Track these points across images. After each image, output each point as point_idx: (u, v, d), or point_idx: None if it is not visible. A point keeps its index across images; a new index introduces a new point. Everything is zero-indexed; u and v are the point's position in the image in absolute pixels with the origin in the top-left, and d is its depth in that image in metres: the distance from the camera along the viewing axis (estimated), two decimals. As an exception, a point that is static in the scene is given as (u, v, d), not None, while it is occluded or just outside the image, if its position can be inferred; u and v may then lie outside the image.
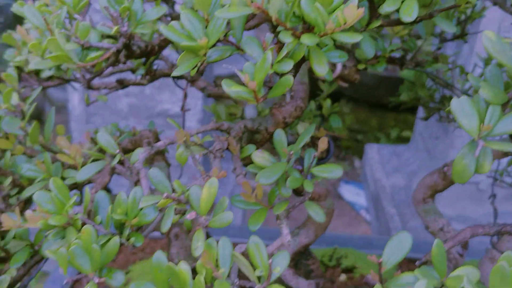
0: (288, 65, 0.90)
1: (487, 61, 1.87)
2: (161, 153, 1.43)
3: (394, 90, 2.13)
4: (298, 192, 1.38)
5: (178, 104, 3.34)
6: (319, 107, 1.99)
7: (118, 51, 1.09)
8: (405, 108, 2.03)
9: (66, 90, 3.67)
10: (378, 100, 5.19)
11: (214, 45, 0.97)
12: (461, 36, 1.78)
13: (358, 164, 5.25)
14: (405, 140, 4.99)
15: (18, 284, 1.07)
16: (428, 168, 3.55)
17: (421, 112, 3.75)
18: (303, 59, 0.97)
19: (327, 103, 1.97)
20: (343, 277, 2.07)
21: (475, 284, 0.74)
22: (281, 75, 0.93)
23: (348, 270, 2.13)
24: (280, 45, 0.95)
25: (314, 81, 1.49)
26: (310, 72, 1.41)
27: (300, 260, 1.57)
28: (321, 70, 0.92)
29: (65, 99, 3.96)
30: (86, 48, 1.07)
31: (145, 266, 2.22)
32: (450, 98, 1.96)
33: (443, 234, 1.31)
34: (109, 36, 1.18)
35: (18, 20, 1.45)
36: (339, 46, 1.45)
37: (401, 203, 3.74)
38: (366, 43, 1.06)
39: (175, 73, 0.92)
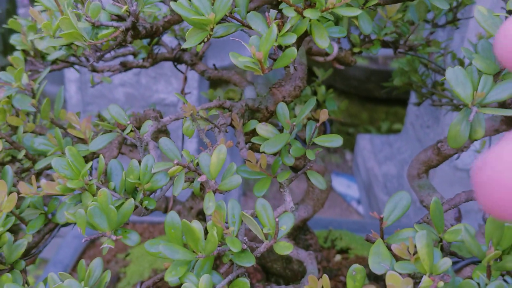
0: (292, 38, 0.96)
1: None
2: (164, 132, 1.48)
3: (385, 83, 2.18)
4: (296, 169, 1.44)
5: (174, 93, 3.38)
6: (314, 93, 2.04)
7: (127, 30, 1.14)
8: (396, 99, 2.08)
9: (62, 82, 3.70)
10: (369, 93, 5.24)
11: (220, 22, 1.03)
12: (453, 21, 1.83)
13: (349, 157, 5.31)
14: (396, 133, 5.05)
15: (34, 250, 1.12)
16: (419, 156, 3.61)
17: (413, 98, 3.81)
18: (305, 34, 1.02)
19: (322, 89, 2.02)
20: (338, 257, 2.13)
21: (473, 236, 0.80)
22: (285, 48, 0.98)
23: (343, 251, 2.18)
24: (283, 21, 1.00)
25: (309, 68, 1.53)
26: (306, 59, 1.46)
27: (299, 235, 1.63)
28: (323, 43, 0.97)
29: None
30: (97, 27, 1.11)
31: (144, 249, 2.26)
32: (442, 83, 2.02)
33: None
34: (116, 17, 1.23)
35: (12, 14, 1.50)
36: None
37: (393, 191, 3.80)
38: (363, 19, 1.11)
39: (185, 45, 0.97)
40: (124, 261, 2.23)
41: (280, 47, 1.00)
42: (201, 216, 1.60)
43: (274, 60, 0.99)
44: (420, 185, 1.43)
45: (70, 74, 3.39)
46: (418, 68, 2.02)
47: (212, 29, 1.00)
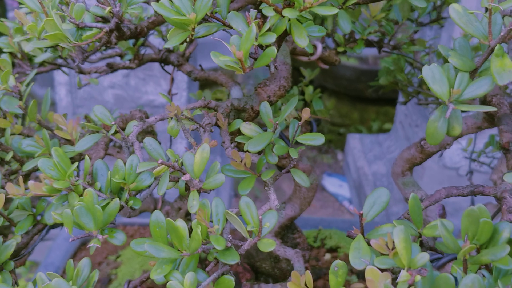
0: (271, 38, 0.97)
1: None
2: (151, 133, 1.50)
3: (375, 83, 2.19)
4: (282, 168, 1.45)
5: (159, 93, 3.40)
6: (302, 93, 2.05)
7: (111, 31, 1.15)
8: (386, 99, 2.08)
9: (52, 85, 3.70)
10: (359, 93, 5.26)
11: (201, 22, 1.04)
12: (437, 20, 1.85)
13: (341, 157, 5.33)
14: (386, 133, 5.07)
15: (23, 251, 1.13)
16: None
17: (401, 97, 3.83)
18: (285, 33, 1.03)
19: (309, 89, 2.03)
20: (327, 256, 2.14)
21: (451, 231, 0.81)
22: (265, 48, 1.00)
23: (332, 250, 2.20)
24: (263, 21, 1.02)
25: (296, 68, 1.55)
26: (292, 59, 1.48)
27: (287, 234, 1.64)
28: (302, 42, 0.99)
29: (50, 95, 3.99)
30: (81, 28, 1.13)
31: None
32: (428, 82, 2.03)
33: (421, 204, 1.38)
34: (101, 18, 1.24)
35: (1, 17, 1.51)
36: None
37: (383, 189, 3.82)
38: (343, 18, 1.13)
39: (166, 45, 0.99)
40: (115, 262, 2.25)
41: (261, 46, 1.02)
42: (189, 216, 1.61)
43: (255, 59, 1.00)
44: (405, 182, 1.45)
45: (60, 77, 3.40)
46: (404, 67, 2.03)
47: (193, 29, 1.01)
